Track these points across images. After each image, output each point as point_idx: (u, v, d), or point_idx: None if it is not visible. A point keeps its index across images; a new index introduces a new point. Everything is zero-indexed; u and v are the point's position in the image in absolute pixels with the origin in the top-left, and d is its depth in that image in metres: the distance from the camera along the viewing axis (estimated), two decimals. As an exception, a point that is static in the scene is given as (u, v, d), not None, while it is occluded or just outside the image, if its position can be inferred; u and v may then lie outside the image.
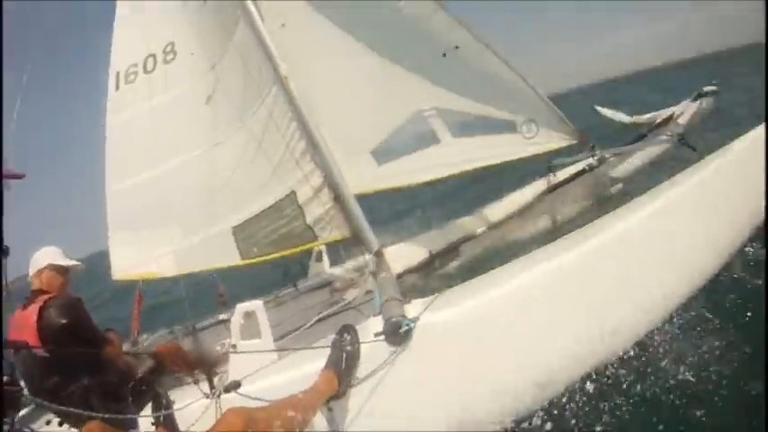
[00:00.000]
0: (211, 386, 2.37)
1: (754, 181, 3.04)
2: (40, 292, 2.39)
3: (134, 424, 2.16)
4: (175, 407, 2.32)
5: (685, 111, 4.94)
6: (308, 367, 2.20)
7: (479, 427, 2.31)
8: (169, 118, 3.94)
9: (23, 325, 2.23)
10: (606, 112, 5.56)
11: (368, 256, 3.31)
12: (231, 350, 2.48)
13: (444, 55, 3.87)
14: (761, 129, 3.25)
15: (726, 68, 23.28)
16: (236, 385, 2.16)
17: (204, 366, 2.59)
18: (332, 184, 3.45)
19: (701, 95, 5.01)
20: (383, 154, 4.00)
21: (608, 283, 2.55)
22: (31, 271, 2.49)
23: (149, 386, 2.46)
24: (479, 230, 4.24)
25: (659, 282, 2.62)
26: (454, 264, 4.09)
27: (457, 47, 3.85)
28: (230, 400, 2.15)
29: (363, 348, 2.27)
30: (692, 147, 4.19)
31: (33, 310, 2.24)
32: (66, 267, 2.52)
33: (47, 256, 2.50)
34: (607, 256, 2.62)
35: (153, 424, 2.14)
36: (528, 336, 2.36)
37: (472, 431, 2.31)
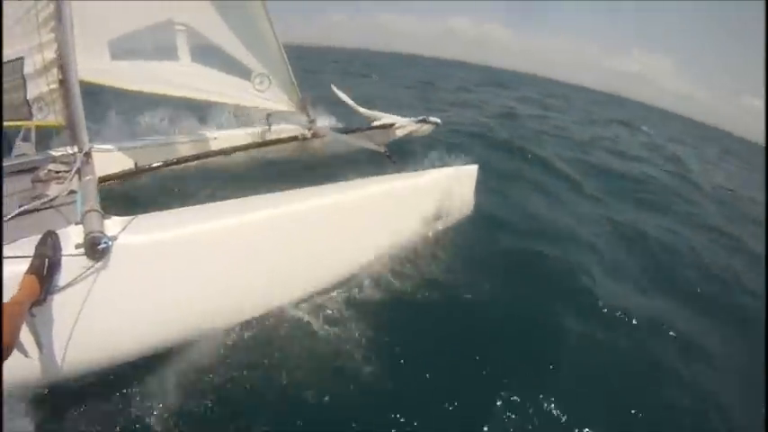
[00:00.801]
0: None
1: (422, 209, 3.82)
2: None
3: None
4: None
5: (406, 126, 5.64)
6: (9, 269, 2.15)
7: (161, 347, 2.62)
8: None
9: None
10: (339, 93, 5.99)
11: (77, 153, 3.26)
12: None
13: None
14: (449, 170, 4.07)
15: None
16: None
17: None
18: (63, 66, 3.26)
19: (425, 121, 5.76)
20: (120, 49, 3.78)
21: (285, 247, 3.06)
22: None
23: None
24: (186, 154, 4.25)
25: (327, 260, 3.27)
26: (156, 181, 4.10)
27: None
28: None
29: (63, 258, 2.32)
30: (392, 160, 4.89)
31: None
32: None
33: None
34: (294, 222, 3.13)
35: None
36: (210, 275, 2.74)
37: (155, 351, 2.61)
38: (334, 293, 3.35)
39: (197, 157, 4.21)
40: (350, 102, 5.77)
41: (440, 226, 4.06)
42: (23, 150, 4.06)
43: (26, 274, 2.15)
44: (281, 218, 3.10)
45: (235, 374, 2.73)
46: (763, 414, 2.99)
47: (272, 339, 2.95)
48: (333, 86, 5.75)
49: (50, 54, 3.31)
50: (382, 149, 4.91)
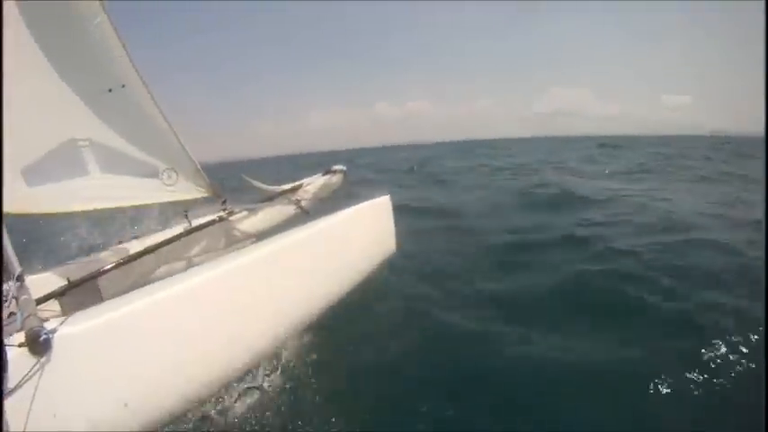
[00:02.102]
0: None
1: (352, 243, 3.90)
2: None
3: None
4: None
5: (314, 181, 5.74)
6: None
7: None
8: None
9: None
10: (251, 180, 5.76)
11: (10, 282, 3.27)
12: None
13: (110, 90, 4.07)
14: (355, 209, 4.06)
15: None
16: None
17: None
18: None
19: (329, 172, 5.83)
20: (34, 175, 3.94)
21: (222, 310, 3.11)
22: None
23: None
24: (117, 263, 4.29)
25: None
26: (95, 300, 4.02)
27: (123, 85, 4.08)
28: None
29: (10, 357, 2.33)
30: (305, 211, 5.17)
31: None
32: None
33: None
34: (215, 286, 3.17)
35: None
36: (156, 349, 2.79)
37: None
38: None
39: (129, 259, 4.32)
40: (260, 184, 5.73)
41: (367, 267, 4.04)
42: None
43: None
44: (208, 283, 3.17)
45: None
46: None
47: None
48: (243, 175, 5.89)
49: None
50: (293, 202, 5.20)
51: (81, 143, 4.16)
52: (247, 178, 5.52)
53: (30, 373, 2.41)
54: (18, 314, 2.83)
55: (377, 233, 4.17)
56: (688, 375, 3.88)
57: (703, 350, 4.23)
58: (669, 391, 3.73)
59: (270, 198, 5.57)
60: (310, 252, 3.72)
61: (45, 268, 4.60)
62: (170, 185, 4.51)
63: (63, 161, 4.10)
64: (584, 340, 4.70)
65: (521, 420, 3.59)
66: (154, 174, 4.43)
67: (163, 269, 4.79)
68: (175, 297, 3.03)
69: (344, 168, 5.94)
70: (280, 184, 5.96)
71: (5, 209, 3.59)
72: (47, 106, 4.00)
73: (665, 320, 4.94)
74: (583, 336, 4.82)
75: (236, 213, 5.22)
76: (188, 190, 4.62)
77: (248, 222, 5.43)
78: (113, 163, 4.27)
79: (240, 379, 3.26)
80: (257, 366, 3.36)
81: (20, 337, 2.48)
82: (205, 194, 4.76)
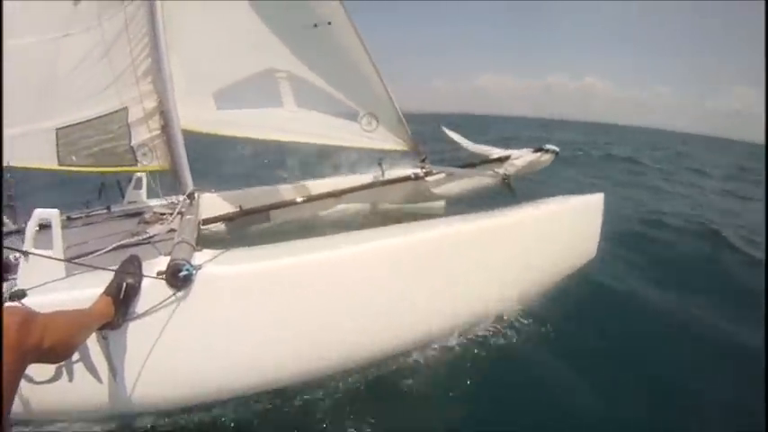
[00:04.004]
0: None
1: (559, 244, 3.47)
2: None
3: None
4: None
5: (523, 156, 5.05)
6: (92, 291, 2.10)
7: (228, 393, 2.47)
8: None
9: None
10: (452, 134, 5.56)
11: (180, 197, 3.36)
12: (22, 258, 2.29)
13: (315, 26, 3.89)
14: (585, 198, 3.72)
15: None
16: (20, 294, 2.07)
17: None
18: (164, 112, 3.46)
19: (540, 150, 5.11)
20: (225, 99, 3.94)
21: (395, 284, 2.74)
22: None
23: None
24: (296, 199, 4.23)
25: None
26: (261, 224, 4.08)
27: (330, 23, 3.88)
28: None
29: (145, 283, 2.23)
30: (511, 189, 4.52)
31: None
32: None
33: None
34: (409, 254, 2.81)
35: None
36: (298, 313, 2.49)
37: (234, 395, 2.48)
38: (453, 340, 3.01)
39: (307, 200, 4.16)
40: (462, 140, 5.30)
41: (562, 271, 3.61)
42: (134, 198, 4.39)
43: (103, 294, 2.08)
44: (393, 250, 2.78)
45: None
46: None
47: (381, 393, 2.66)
48: (443, 128, 5.42)
49: (151, 103, 3.55)
50: (500, 178, 4.61)
51: (279, 75, 4.00)
52: (449, 132, 5.05)
53: (160, 305, 2.22)
54: (176, 235, 2.70)
55: (581, 235, 3.72)
56: None
57: None
58: None
59: (471, 165, 5.03)
60: (508, 243, 3.22)
61: (220, 191, 4.61)
62: (368, 131, 4.18)
63: (257, 90, 4.00)
64: None
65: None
66: (352, 116, 4.14)
67: (341, 214, 4.68)
68: (346, 257, 2.65)
69: (557, 150, 5.17)
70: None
71: (191, 126, 3.63)
72: (249, 34, 3.89)
73: None
74: None
75: (434, 174, 4.74)
76: (386, 139, 4.25)
77: (444, 186, 4.95)
78: (310, 99, 4.07)
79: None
80: (408, 354, 2.91)
81: (164, 262, 2.27)
82: (404, 148, 4.35)
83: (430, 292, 2.86)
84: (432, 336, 2.95)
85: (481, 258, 3.06)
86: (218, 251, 2.50)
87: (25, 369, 1.27)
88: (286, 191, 4.79)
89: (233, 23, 3.85)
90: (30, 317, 1.31)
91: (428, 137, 5.36)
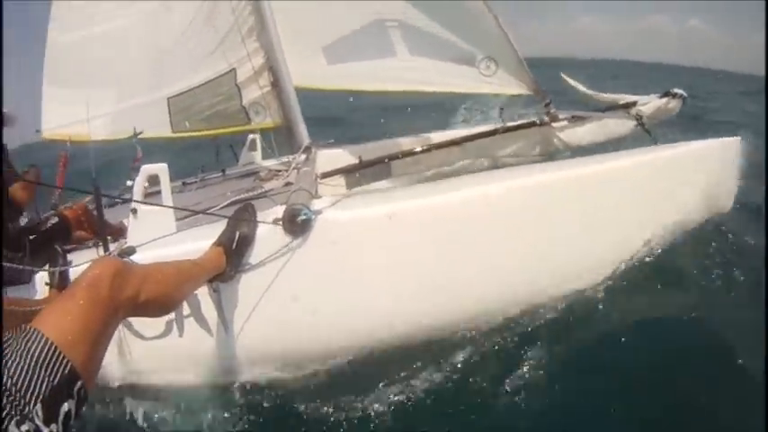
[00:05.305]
0: (106, 249, 2.25)
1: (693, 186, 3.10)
2: None
3: (27, 278, 2.10)
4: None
5: (651, 102, 4.64)
6: (204, 243, 2.04)
7: (353, 341, 2.30)
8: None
9: None
10: (570, 80, 5.23)
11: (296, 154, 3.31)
12: (131, 215, 2.29)
13: None
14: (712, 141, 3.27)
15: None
16: (130, 251, 2.04)
17: (104, 230, 2.42)
18: (273, 67, 3.44)
19: (668, 94, 4.66)
20: (335, 54, 3.85)
21: (535, 225, 2.52)
22: None
23: (49, 242, 2.34)
24: (415, 149, 4.03)
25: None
26: (382, 175, 3.94)
27: None
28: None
29: (260, 232, 2.15)
30: (648, 131, 4.16)
31: None
32: None
33: None
34: (535, 199, 2.58)
35: (47, 284, 2.07)
36: (422, 262, 2.33)
37: (344, 344, 2.31)
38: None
39: (428, 149, 3.92)
40: (582, 88, 4.92)
41: (690, 223, 3.16)
42: (248, 159, 4.39)
43: (214, 244, 1.99)
44: (527, 190, 2.53)
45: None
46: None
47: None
48: (562, 74, 5.03)
49: (259, 60, 3.54)
50: (634, 119, 4.23)
51: (389, 23, 3.83)
52: (569, 79, 4.71)
53: (277, 254, 2.14)
54: (293, 188, 2.59)
55: (716, 183, 3.20)
56: None
57: None
58: None
59: (600, 109, 4.65)
60: (637, 188, 2.89)
61: (338, 144, 4.43)
62: (487, 76, 3.91)
63: (368, 41, 3.85)
64: None
65: None
66: (470, 61, 3.88)
67: (462, 170, 4.27)
68: (469, 200, 2.45)
69: (685, 95, 4.69)
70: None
71: (303, 83, 3.62)
72: None
73: None
74: None
75: (560, 120, 4.37)
76: (507, 84, 3.99)
77: (571, 133, 4.60)
78: (424, 45, 3.87)
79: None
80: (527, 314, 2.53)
81: (280, 210, 2.19)
82: (527, 92, 4.07)
83: (571, 234, 2.60)
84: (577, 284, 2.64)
85: (619, 200, 2.79)
86: (338, 197, 2.38)
87: (119, 324, 1.19)
88: (405, 143, 4.54)
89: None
90: (125, 268, 1.21)
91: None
